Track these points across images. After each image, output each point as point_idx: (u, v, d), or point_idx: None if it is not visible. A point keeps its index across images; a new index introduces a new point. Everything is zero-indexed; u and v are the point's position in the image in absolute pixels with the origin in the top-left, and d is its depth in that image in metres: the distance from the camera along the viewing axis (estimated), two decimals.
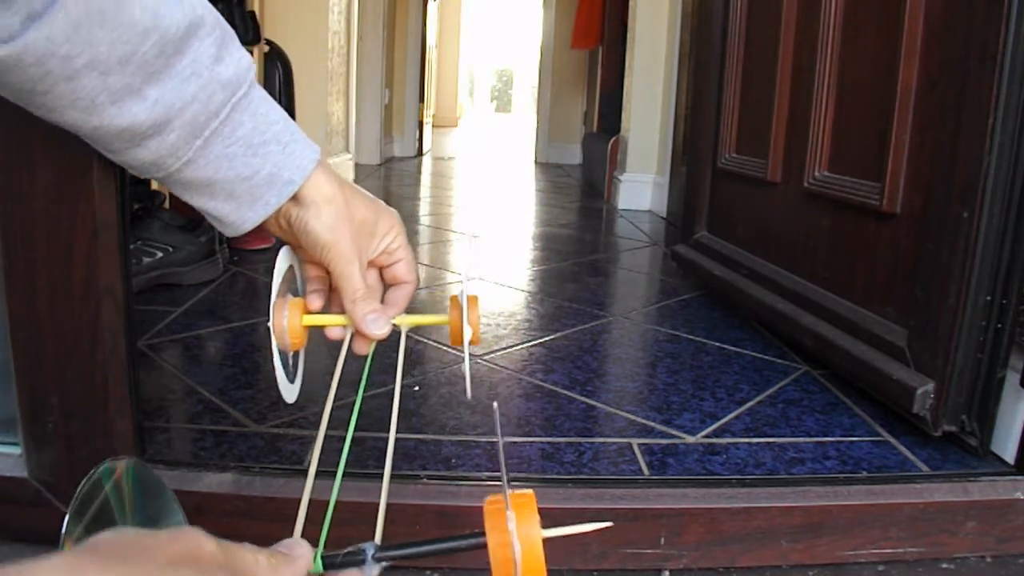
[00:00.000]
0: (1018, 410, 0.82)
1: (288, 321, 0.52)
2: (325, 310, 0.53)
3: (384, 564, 0.37)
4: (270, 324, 0.52)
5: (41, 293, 0.70)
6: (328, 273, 0.53)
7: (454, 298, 0.53)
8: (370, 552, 0.37)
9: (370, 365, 0.51)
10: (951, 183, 0.81)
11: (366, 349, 0.52)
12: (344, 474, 0.45)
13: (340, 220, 0.51)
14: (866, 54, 1.00)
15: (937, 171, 0.84)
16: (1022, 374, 0.81)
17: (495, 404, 0.34)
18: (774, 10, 1.22)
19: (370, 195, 0.53)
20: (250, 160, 0.48)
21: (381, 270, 0.54)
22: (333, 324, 0.53)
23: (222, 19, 0.47)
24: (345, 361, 0.51)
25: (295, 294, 0.55)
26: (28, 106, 0.44)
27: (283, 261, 0.54)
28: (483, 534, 0.38)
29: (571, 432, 0.86)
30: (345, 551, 0.37)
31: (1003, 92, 0.75)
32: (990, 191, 0.77)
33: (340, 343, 0.51)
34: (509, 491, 0.37)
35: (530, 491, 0.37)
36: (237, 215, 0.49)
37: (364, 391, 0.41)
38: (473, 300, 0.52)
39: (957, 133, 0.80)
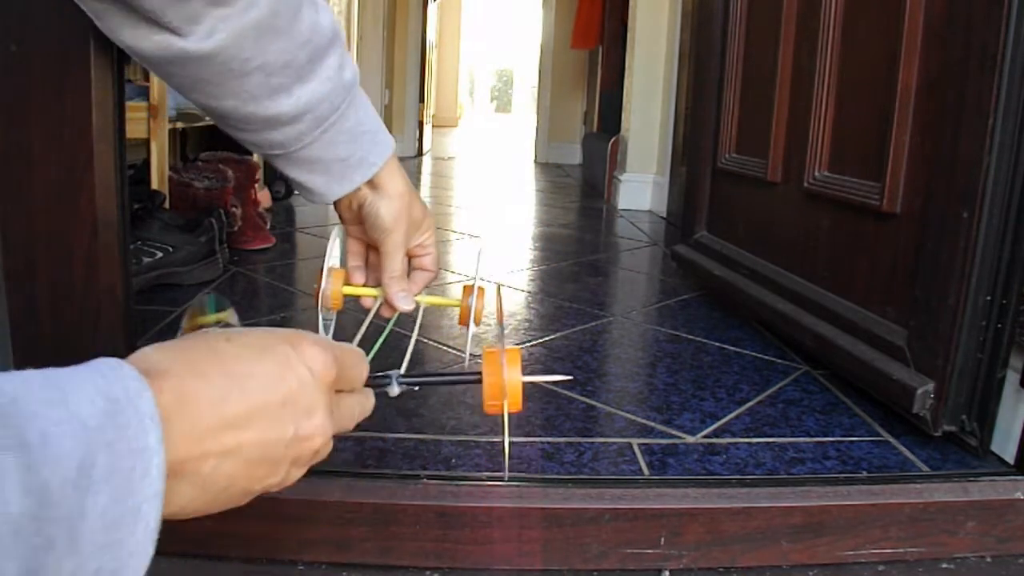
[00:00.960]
0: (1018, 410, 0.82)
1: (331, 287, 0.65)
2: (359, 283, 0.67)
3: (404, 387, 0.49)
4: (317, 286, 0.65)
5: (41, 293, 0.70)
6: (370, 251, 0.66)
7: (466, 287, 0.67)
8: (395, 376, 0.48)
9: (386, 336, 0.62)
10: (951, 183, 0.81)
11: (390, 314, 0.64)
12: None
13: (402, 213, 0.63)
14: (866, 54, 1.00)
15: (937, 171, 0.84)
16: (1022, 374, 0.81)
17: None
18: (774, 10, 1.22)
19: (420, 198, 0.67)
20: (349, 146, 0.60)
21: (411, 258, 0.67)
22: (367, 295, 0.66)
23: (341, 28, 0.60)
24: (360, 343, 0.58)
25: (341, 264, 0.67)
26: (191, 92, 0.54)
27: (334, 242, 0.67)
28: (480, 373, 0.47)
29: (571, 432, 0.86)
30: (375, 376, 0.47)
31: (1003, 93, 0.75)
32: (990, 191, 0.77)
33: (367, 311, 0.65)
34: (493, 347, 0.47)
35: (519, 348, 0.48)
36: (327, 188, 0.61)
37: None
38: (481, 291, 0.67)
39: (957, 133, 0.80)
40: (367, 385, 0.46)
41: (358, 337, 0.57)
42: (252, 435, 0.33)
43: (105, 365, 0.28)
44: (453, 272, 1.65)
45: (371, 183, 0.62)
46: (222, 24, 0.49)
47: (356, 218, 0.64)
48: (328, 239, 0.65)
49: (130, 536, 0.27)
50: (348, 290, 0.67)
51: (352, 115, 0.60)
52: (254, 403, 0.33)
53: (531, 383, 0.50)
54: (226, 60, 0.50)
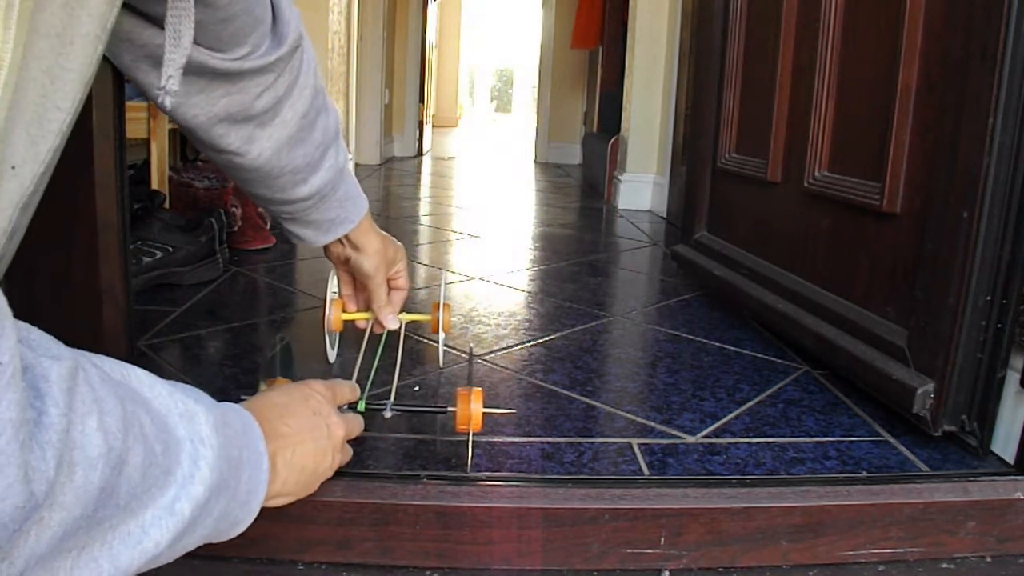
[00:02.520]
0: (1018, 410, 0.82)
1: (333, 314, 0.95)
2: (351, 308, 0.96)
3: (395, 412, 0.75)
4: (322, 314, 0.96)
5: (41, 293, 0.70)
6: (356, 282, 0.92)
7: (435, 304, 1.01)
8: (388, 404, 0.74)
9: (378, 359, 0.93)
10: (951, 183, 0.81)
11: (381, 331, 0.92)
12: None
13: (380, 263, 0.86)
14: (866, 54, 1.00)
15: (937, 171, 0.84)
16: (1022, 374, 0.81)
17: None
18: (774, 10, 1.22)
19: (391, 238, 0.90)
20: (337, 210, 0.80)
21: (389, 281, 0.91)
22: (360, 319, 0.95)
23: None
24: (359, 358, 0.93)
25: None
26: (231, 174, 0.72)
27: (332, 280, 0.96)
28: (452, 407, 0.73)
29: (571, 432, 0.86)
30: (370, 405, 0.72)
31: (1003, 93, 0.75)
32: (990, 191, 0.77)
33: (363, 330, 0.97)
34: (466, 388, 0.73)
35: (479, 388, 0.73)
36: (315, 239, 0.81)
37: (367, 391, 0.81)
38: (447, 306, 1.01)
39: (957, 133, 0.80)
40: (369, 409, 0.73)
41: (362, 350, 0.96)
42: (305, 432, 0.57)
43: (232, 408, 0.50)
44: (453, 272, 1.66)
45: (353, 244, 0.83)
46: (268, 143, 0.67)
47: (345, 266, 0.89)
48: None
49: (255, 499, 0.49)
50: (346, 316, 0.95)
51: (342, 187, 0.79)
52: (299, 417, 0.58)
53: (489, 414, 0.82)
54: (269, 170, 0.69)
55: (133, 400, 0.38)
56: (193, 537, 0.43)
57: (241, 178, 0.72)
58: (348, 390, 0.69)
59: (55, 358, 0.33)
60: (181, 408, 0.42)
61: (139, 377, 0.41)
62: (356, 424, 0.66)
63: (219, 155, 0.67)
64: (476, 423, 0.72)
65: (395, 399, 0.78)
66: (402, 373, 1.00)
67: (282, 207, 0.76)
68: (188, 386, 0.45)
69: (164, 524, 0.39)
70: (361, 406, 0.72)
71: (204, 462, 0.41)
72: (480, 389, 0.73)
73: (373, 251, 0.85)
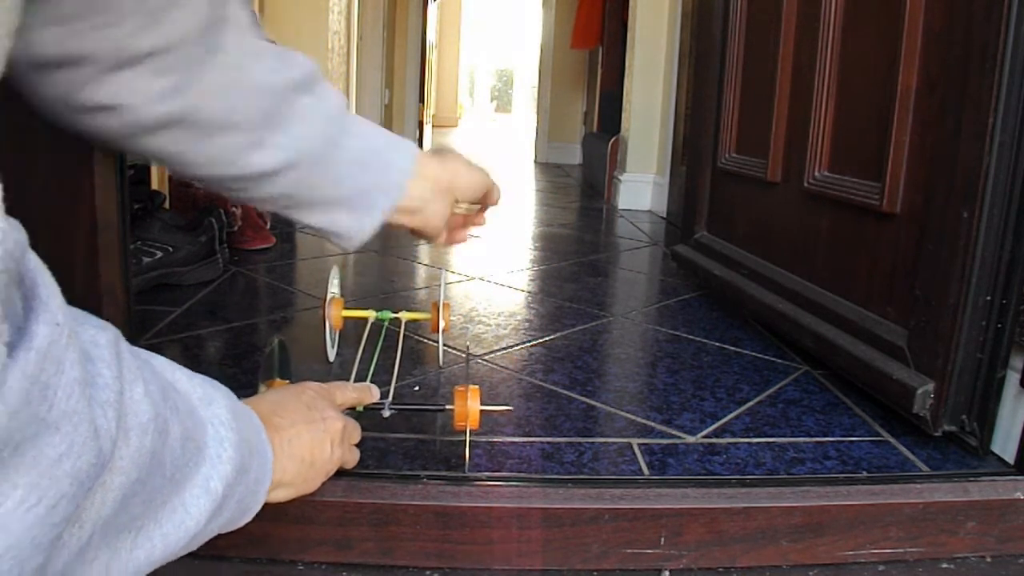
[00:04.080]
0: (1018, 410, 0.82)
1: (333, 312, 0.97)
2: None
3: (393, 411, 0.74)
4: (322, 313, 0.98)
5: None
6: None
7: (434, 303, 1.02)
8: (387, 403, 0.73)
9: (376, 357, 0.92)
10: (951, 183, 0.81)
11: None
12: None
13: (440, 219, 0.68)
14: (866, 54, 1.00)
15: (937, 171, 0.84)
16: (1022, 374, 0.81)
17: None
18: (774, 10, 1.22)
19: (449, 162, 0.70)
20: (362, 176, 0.60)
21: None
22: (359, 316, 1.01)
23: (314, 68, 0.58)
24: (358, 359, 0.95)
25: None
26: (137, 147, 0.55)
27: (333, 276, 0.98)
28: (451, 406, 0.74)
29: (571, 432, 0.86)
30: (369, 405, 0.72)
31: (1003, 92, 0.75)
32: (990, 191, 0.77)
33: (363, 329, 1.01)
34: (462, 386, 0.74)
35: (476, 387, 0.73)
36: (357, 223, 0.62)
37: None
38: (447, 306, 1.01)
39: (957, 133, 0.80)
40: (368, 409, 0.72)
41: (360, 349, 0.98)
42: (300, 424, 0.57)
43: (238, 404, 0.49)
44: (453, 272, 1.65)
45: (406, 210, 0.64)
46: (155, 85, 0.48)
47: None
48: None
49: (262, 486, 0.49)
50: (346, 313, 0.98)
51: (352, 144, 0.59)
52: (292, 410, 0.57)
53: (487, 411, 0.79)
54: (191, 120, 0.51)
55: (160, 377, 0.39)
56: (217, 521, 0.43)
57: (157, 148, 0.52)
58: (352, 391, 0.68)
59: (99, 327, 0.33)
60: (200, 392, 0.43)
61: (160, 361, 0.42)
62: (352, 427, 0.65)
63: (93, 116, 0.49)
64: (474, 421, 0.72)
65: (396, 399, 0.78)
66: (402, 373, 1.00)
67: (266, 189, 0.58)
68: (203, 375, 0.45)
69: (201, 502, 0.40)
70: (359, 407, 0.72)
71: (228, 443, 0.42)
72: (477, 387, 0.73)
73: (425, 206, 0.66)
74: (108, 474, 0.31)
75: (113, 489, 0.32)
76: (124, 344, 0.35)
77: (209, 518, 0.41)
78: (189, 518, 0.39)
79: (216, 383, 0.46)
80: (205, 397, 0.43)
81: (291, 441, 0.55)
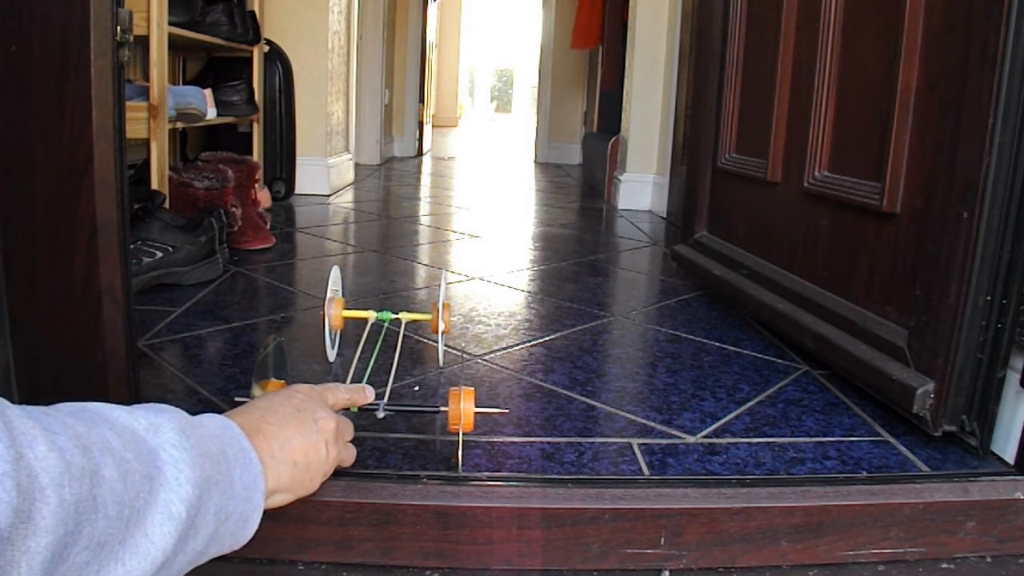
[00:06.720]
0: (1018, 410, 0.82)
1: (334, 312, 0.97)
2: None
3: (388, 413, 0.74)
4: (323, 312, 0.98)
5: (41, 293, 0.70)
6: None
7: (434, 304, 1.01)
8: (381, 404, 0.73)
9: (376, 355, 0.94)
10: (951, 183, 0.81)
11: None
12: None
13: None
14: (866, 54, 1.00)
15: (937, 171, 0.84)
16: (1022, 374, 0.81)
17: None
18: (774, 10, 1.22)
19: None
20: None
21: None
22: (360, 317, 1.02)
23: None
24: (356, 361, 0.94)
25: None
26: None
27: (333, 274, 0.99)
28: (445, 406, 0.73)
29: (571, 432, 0.86)
30: (364, 406, 0.71)
31: (1003, 92, 0.75)
32: (990, 191, 0.77)
33: (363, 330, 1.02)
34: (457, 388, 0.73)
35: (471, 388, 0.72)
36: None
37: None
38: (447, 306, 1.00)
39: (957, 133, 0.80)
40: (363, 409, 0.72)
41: (359, 349, 1.00)
42: (290, 428, 0.57)
43: (209, 415, 0.51)
44: (453, 272, 1.65)
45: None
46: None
47: None
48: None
49: (256, 493, 0.49)
50: (346, 313, 0.99)
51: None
52: (282, 415, 0.57)
53: (481, 413, 0.79)
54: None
55: (91, 421, 0.39)
56: (199, 539, 0.43)
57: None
58: (344, 392, 0.68)
59: None
60: (144, 423, 0.43)
61: (96, 406, 0.42)
62: (344, 424, 0.65)
63: None
64: (468, 423, 0.72)
65: (395, 399, 0.78)
66: (402, 373, 1.00)
67: None
68: (149, 404, 0.46)
69: (166, 529, 0.40)
70: (353, 408, 0.72)
71: (184, 463, 0.42)
72: (472, 389, 0.73)
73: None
74: (32, 539, 0.31)
75: (40, 551, 0.32)
76: (12, 409, 0.35)
77: (180, 541, 0.41)
78: (155, 547, 0.39)
79: (161, 407, 0.46)
80: (151, 426, 0.43)
81: (283, 446, 0.55)
